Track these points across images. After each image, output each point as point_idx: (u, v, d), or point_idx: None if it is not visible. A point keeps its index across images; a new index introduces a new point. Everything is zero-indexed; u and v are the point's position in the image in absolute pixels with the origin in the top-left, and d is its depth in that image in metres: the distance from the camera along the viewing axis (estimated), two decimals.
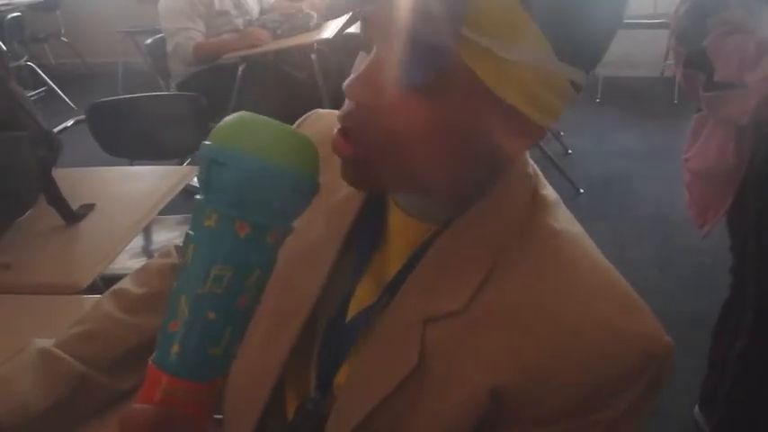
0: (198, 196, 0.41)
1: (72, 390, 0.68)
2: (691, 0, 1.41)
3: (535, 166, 0.56)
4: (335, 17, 3.21)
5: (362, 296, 0.55)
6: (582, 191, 3.10)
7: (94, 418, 0.73)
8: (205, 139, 0.41)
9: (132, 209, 1.45)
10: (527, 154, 0.55)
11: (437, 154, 0.46)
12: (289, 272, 0.55)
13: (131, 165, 2.19)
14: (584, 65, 0.45)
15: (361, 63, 0.47)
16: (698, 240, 1.59)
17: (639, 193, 3.13)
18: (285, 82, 2.99)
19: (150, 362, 0.42)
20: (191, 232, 0.41)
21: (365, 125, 0.46)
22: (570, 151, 3.57)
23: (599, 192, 3.15)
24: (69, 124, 2.11)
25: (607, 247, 0.53)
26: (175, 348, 0.41)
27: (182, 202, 1.62)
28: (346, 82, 0.46)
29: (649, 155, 3.55)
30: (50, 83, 4.82)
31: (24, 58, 4.77)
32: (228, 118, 0.42)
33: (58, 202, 1.37)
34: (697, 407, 1.73)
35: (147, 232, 1.94)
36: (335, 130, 0.48)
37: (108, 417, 0.73)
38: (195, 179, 2.17)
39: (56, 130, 1.98)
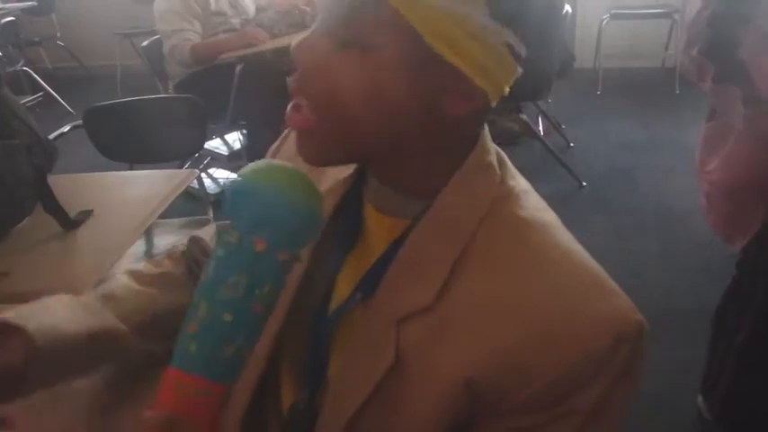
0: (221, 223, 0.49)
1: (102, 327, 0.66)
2: (711, 5, 1.34)
3: (502, 153, 0.56)
4: None
5: (343, 291, 0.57)
6: (585, 184, 3.08)
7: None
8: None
9: (131, 214, 1.43)
10: (488, 143, 0.55)
11: (374, 111, 0.47)
12: None
13: (131, 168, 2.17)
14: (517, 26, 0.45)
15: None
16: (700, 231, 1.57)
17: (642, 184, 3.12)
18: (283, 80, 2.96)
19: (168, 368, 0.47)
20: (215, 249, 0.49)
21: (310, 89, 0.49)
22: (572, 144, 3.55)
23: (601, 184, 3.13)
24: (66, 130, 2.09)
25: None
26: (192, 346, 0.47)
27: (183, 205, 1.61)
28: (292, 46, 0.49)
29: (651, 146, 3.52)
30: (47, 87, 4.80)
31: (21, 63, 4.75)
32: (255, 162, 0.51)
33: (54, 209, 1.35)
34: (700, 396, 1.72)
35: (148, 236, 1.92)
36: (289, 106, 0.50)
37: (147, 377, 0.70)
38: (195, 182, 2.19)
39: (53, 135, 1.97)
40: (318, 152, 0.52)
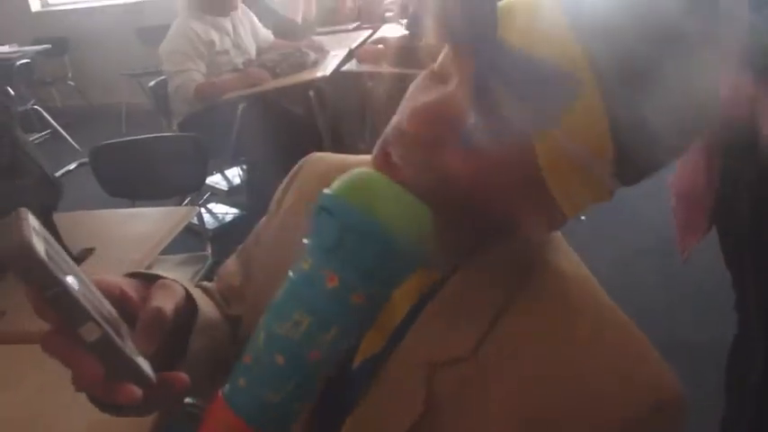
0: (306, 240, 0.42)
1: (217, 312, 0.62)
2: None
3: None
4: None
5: (366, 345, 0.54)
6: (583, 217, 3.11)
7: None
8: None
9: (132, 251, 1.47)
10: None
11: (458, 207, 0.45)
12: None
13: (133, 205, 2.22)
14: (628, 182, 0.46)
15: (427, 88, 0.46)
16: (703, 259, 1.57)
17: (642, 213, 3.10)
18: (284, 118, 3.04)
19: (219, 391, 0.43)
20: (290, 272, 0.42)
21: (412, 153, 0.44)
22: None
23: (601, 214, 3.11)
24: (72, 167, 2.15)
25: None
26: (242, 380, 0.42)
27: (183, 241, 1.64)
28: (412, 105, 0.44)
29: (650, 177, 3.53)
30: (56, 125, 4.91)
31: (31, 102, 4.87)
32: (353, 172, 0.42)
33: None
34: None
35: None
36: (376, 151, 0.47)
37: None
38: (195, 218, 2.22)
39: (59, 173, 2.03)
40: None
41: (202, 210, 3.12)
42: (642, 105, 0.41)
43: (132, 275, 0.53)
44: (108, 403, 0.44)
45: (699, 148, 1.35)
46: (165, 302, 0.47)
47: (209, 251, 2.21)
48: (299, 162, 0.71)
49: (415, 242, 0.40)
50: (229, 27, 3.09)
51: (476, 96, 0.41)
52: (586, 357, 0.46)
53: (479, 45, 0.42)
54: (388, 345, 0.52)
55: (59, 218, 1.43)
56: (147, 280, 0.52)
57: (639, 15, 0.40)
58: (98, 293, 0.44)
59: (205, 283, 0.71)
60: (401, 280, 0.42)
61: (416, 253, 0.41)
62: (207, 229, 2.70)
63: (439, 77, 0.46)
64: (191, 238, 2.43)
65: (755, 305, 1.42)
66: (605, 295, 0.51)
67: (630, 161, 0.43)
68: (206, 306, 0.56)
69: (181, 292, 0.51)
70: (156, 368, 0.44)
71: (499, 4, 0.43)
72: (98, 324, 0.39)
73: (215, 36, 3.00)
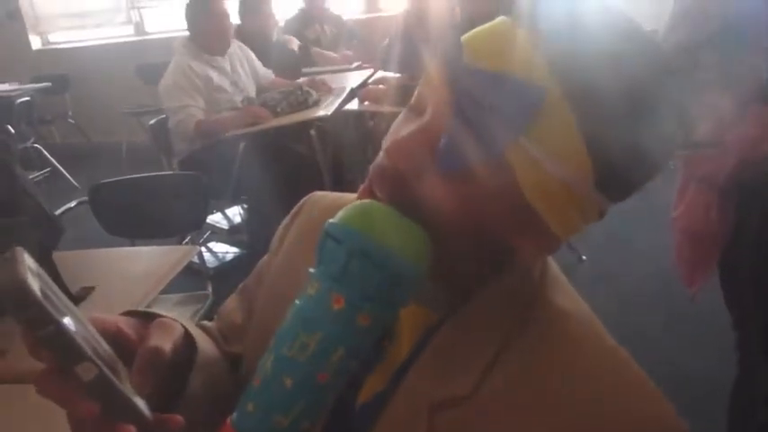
0: (312, 269, 0.44)
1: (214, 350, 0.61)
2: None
3: None
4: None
5: (370, 385, 0.54)
6: (584, 258, 3.09)
7: None
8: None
9: (132, 290, 1.45)
10: None
11: (449, 238, 0.46)
12: None
13: (133, 244, 2.20)
14: (615, 198, 0.46)
15: (406, 121, 0.48)
16: (705, 298, 1.56)
17: (642, 253, 3.12)
18: (285, 156, 3.05)
19: (228, 419, 0.44)
20: (296, 301, 0.44)
21: (394, 188, 0.46)
22: None
23: (601, 255, 3.13)
24: (72, 205, 2.14)
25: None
26: (250, 405, 0.43)
27: (184, 280, 1.62)
28: (391, 139, 0.46)
29: (649, 215, 3.54)
30: (56, 163, 4.92)
31: (31, 140, 4.89)
32: (355, 202, 0.45)
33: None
34: None
35: None
36: (360, 190, 0.49)
37: None
38: (195, 257, 2.20)
39: (59, 211, 2.02)
40: None
41: (203, 249, 3.11)
42: (616, 122, 0.42)
43: (130, 314, 0.53)
44: None
45: (711, 185, 1.35)
46: (163, 342, 0.47)
47: (210, 290, 2.18)
48: (301, 201, 0.72)
49: (415, 263, 0.43)
50: (227, 66, 3.13)
51: (451, 117, 0.43)
52: (586, 396, 0.46)
53: (450, 70, 0.44)
54: (392, 383, 0.52)
55: (59, 256, 1.41)
56: (146, 318, 0.52)
57: (599, 38, 0.43)
58: (95, 332, 0.44)
59: (204, 323, 0.72)
60: (405, 301, 0.44)
61: (417, 274, 0.43)
62: (207, 268, 2.68)
63: (416, 111, 0.48)
64: (191, 277, 2.41)
65: (759, 341, 1.40)
66: (606, 333, 0.50)
67: (613, 177, 0.44)
68: (205, 344, 0.57)
69: (179, 331, 0.51)
70: (153, 406, 0.44)
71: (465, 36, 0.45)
72: (94, 363, 0.39)
73: (212, 74, 3.04)
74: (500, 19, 0.45)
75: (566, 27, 0.43)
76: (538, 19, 0.43)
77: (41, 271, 0.39)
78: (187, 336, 0.53)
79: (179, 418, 0.46)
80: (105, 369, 0.40)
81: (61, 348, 0.38)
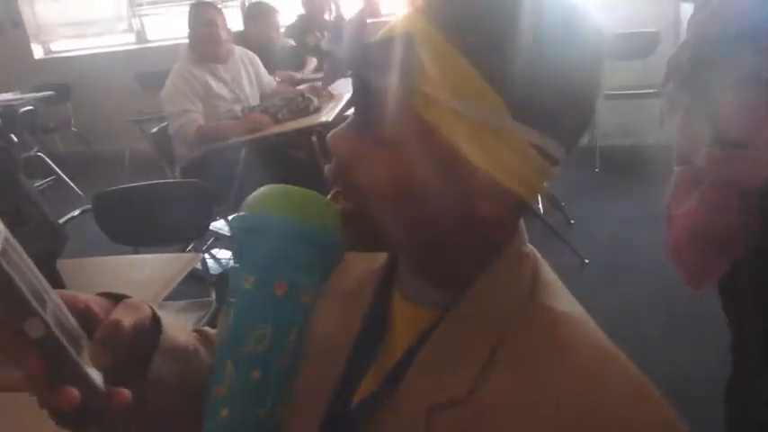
0: (231, 265, 0.46)
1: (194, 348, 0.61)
2: (689, 48, 1.34)
3: (532, 247, 0.56)
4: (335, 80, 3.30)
5: (366, 385, 0.55)
6: (587, 261, 3.09)
7: None
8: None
9: (136, 297, 1.44)
10: (524, 234, 0.55)
11: (405, 207, 0.48)
12: (310, 362, 0.54)
13: (136, 251, 2.20)
14: (546, 128, 0.46)
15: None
16: (706, 304, 1.56)
17: (644, 259, 3.11)
18: (287, 163, 3.05)
19: None
20: (231, 299, 0.45)
21: (344, 180, 0.50)
22: (572, 221, 3.58)
23: (604, 260, 3.13)
24: (76, 214, 2.14)
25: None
26: (224, 412, 0.44)
27: (187, 287, 1.62)
28: (328, 135, 0.51)
29: (652, 220, 3.53)
30: (59, 171, 4.93)
31: (35, 149, 4.90)
32: (256, 191, 0.47)
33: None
34: None
35: None
36: (330, 195, 0.51)
37: None
38: (199, 264, 2.20)
39: (63, 219, 2.02)
40: (355, 239, 0.51)
41: (206, 255, 3.10)
42: (510, 52, 0.43)
43: (104, 295, 0.53)
44: (67, 415, 0.43)
45: (726, 191, 1.30)
46: (125, 317, 0.47)
47: (213, 297, 2.18)
48: None
49: (334, 228, 0.46)
50: (227, 76, 3.14)
51: (354, 92, 0.48)
52: (584, 399, 0.45)
53: (349, 48, 0.48)
54: (386, 384, 0.53)
55: (63, 264, 1.42)
56: (118, 300, 0.52)
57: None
58: (62, 305, 0.44)
59: (206, 328, 0.71)
60: (334, 269, 0.48)
61: (338, 239, 0.46)
62: (211, 275, 2.69)
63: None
64: (194, 283, 2.41)
65: (759, 346, 1.40)
66: (602, 334, 0.50)
67: (527, 106, 0.44)
68: (178, 333, 0.56)
69: (146, 312, 0.51)
70: (110, 381, 0.44)
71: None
72: (43, 321, 0.39)
73: (211, 81, 3.05)
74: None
75: None
76: None
77: (7, 232, 0.39)
78: (155, 319, 0.53)
79: (126, 392, 0.45)
80: (56, 330, 0.40)
81: (8, 301, 0.38)
